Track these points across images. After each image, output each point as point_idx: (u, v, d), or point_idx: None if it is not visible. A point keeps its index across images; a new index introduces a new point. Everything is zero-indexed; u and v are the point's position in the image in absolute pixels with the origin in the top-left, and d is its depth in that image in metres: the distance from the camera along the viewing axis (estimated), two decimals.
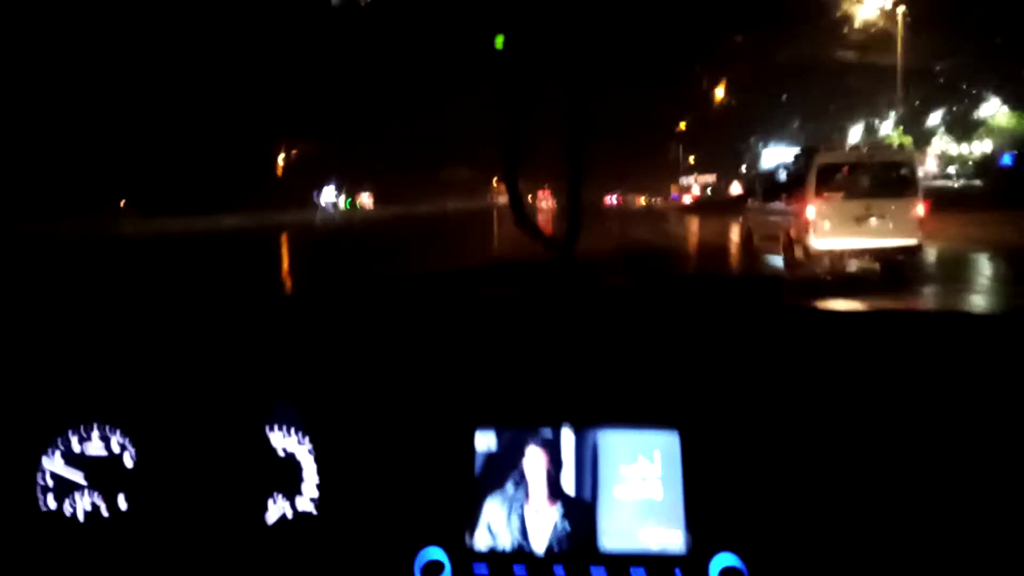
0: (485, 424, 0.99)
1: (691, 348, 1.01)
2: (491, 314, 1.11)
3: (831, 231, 9.44)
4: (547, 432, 0.98)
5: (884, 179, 9.85)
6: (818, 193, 9.61)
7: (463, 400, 1.01)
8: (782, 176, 11.11)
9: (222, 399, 1.04)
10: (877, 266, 9.41)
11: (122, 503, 1.04)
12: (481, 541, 0.96)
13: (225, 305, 1.25)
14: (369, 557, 0.97)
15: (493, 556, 0.95)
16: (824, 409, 0.95)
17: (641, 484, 0.95)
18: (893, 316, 1.08)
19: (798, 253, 9.56)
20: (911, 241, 9.41)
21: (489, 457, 0.99)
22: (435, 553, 0.95)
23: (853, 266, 9.31)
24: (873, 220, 9.46)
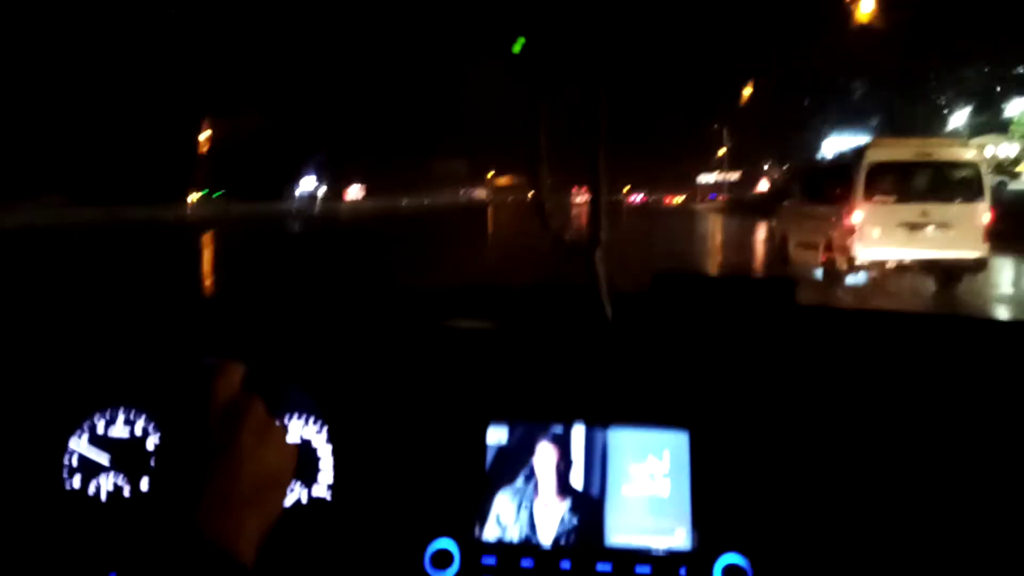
0: (497, 419, 1.21)
1: (704, 348, 1.23)
2: (507, 311, 1.33)
3: (880, 239, 9.53)
4: (558, 428, 1.20)
5: (945, 180, 9.91)
6: (867, 194, 9.68)
7: (476, 394, 1.22)
8: (825, 173, 11.17)
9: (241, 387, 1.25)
10: (932, 282, 9.50)
11: (144, 485, 1.25)
12: (490, 533, 1.17)
13: (242, 293, 1.47)
14: (380, 545, 1.18)
15: (501, 548, 1.16)
16: (836, 411, 1.17)
17: (649, 482, 1.17)
18: (909, 318, 1.31)
19: (840, 263, 9.64)
20: (974, 253, 9.50)
21: (500, 451, 1.20)
22: (445, 543, 1.16)
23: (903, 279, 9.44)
24: (930, 228, 9.56)
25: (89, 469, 1.29)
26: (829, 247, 10.01)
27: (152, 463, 1.28)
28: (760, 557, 1.11)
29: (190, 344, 1.35)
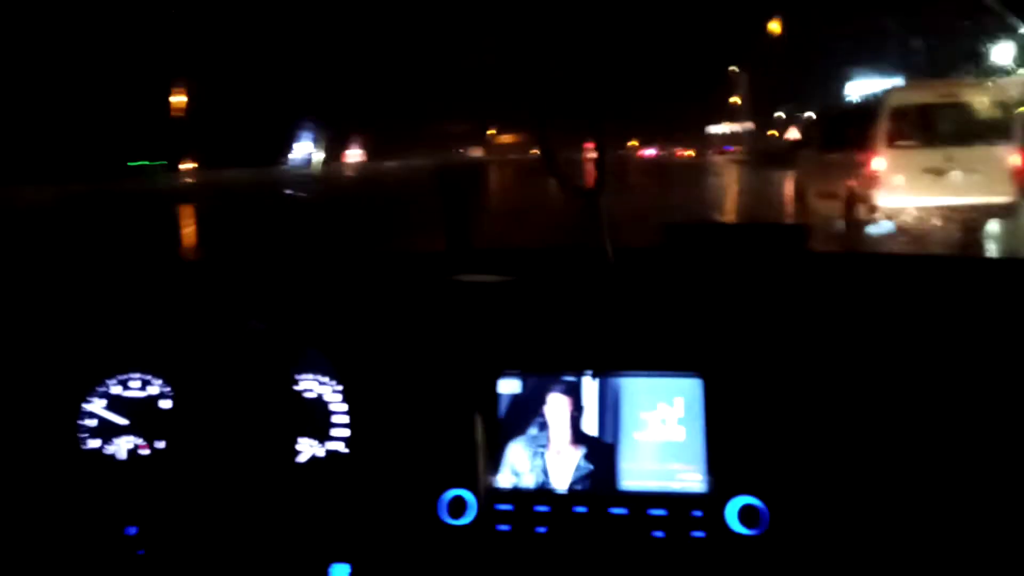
0: (509, 370, 1.27)
1: (715, 295, 1.28)
2: (518, 265, 1.38)
3: (903, 186, 9.53)
4: (569, 378, 1.25)
5: (971, 123, 9.86)
6: (889, 140, 9.66)
7: (488, 347, 1.28)
8: (845, 119, 11.10)
9: (255, 348, 1.32)
10: (958, 229, 9.47)
11: (160, 444, 1.33)
12: (505, 481, 1.24)
13: (258, 258, 1.53)
14: (397, 495, 1.25)
15: (516, 495, 1.23)
16: (847, 354, 1.22)
17: (662, 428, 1.23)
18: (920, 261, 1.35)
19: (862, 212, 9.64)
20: (1003, 198, 9.49)
21: (513, 402, 1.26)
22: (460, 492, 1.23)
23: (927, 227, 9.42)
24: (956, 173, 9.54)
25: (106, 431, 1.37)
26: (851, 196, 10.00)
27: (167, 423, 1.36)
28: (774, 499, 1.18)
29: (201, 307, 1.41)
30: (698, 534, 1.18)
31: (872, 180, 9.48)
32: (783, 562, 1.16)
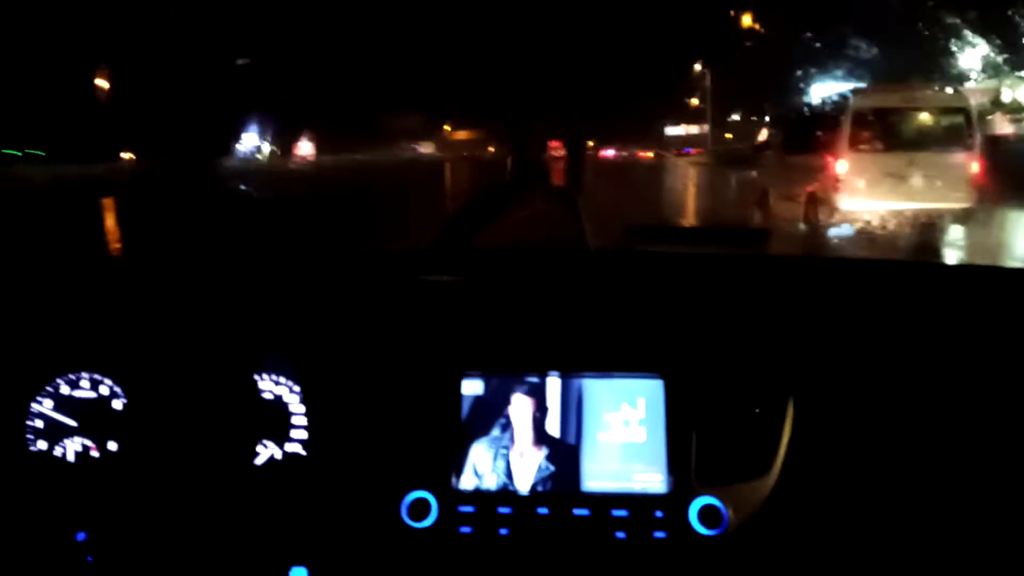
0: (472, 371, 1.30)
1: (676, 297, 1.34)
2: (482, 265, 1.42)
3: (865, 190, 9.83)
4: (533, 378, 1.29)
5: (933, 128, 10.22)
6: (851, 143, 9.95)
7: (451, 347, 1.31)
8: (808, 122, 11.39)
9: (211, 348, 1.33)
10: (910, 232, 9.78)
11: (112, 445, 1.33)
12: (467, 483, 1.27)
13: (215, 255, 1.54)
14: (357, 497, 1.27)
15: (479, 497, 1.27)
16: (804, 355, 1.28)
17: (624, 429, 1.27)
18: (875, 265, 1.43)
19: (823, 215, 9.91)
20: (961, 205, 9.86)
21: (476, 402, 1.29)
22: (422, 494, 1.26)
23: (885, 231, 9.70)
24: (917, 178, 9.86)
25: (55, 432, 1.37)
26: (812, 199, 10.25)
27: (119, 425, 1.36)
28: (734, 498, 1.23)
29: (152, 305, 1.42)
30: (660, 535, 1.23)
31: (834, 183, 9.76)
32: (744, 562, 1.22)
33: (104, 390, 1.37)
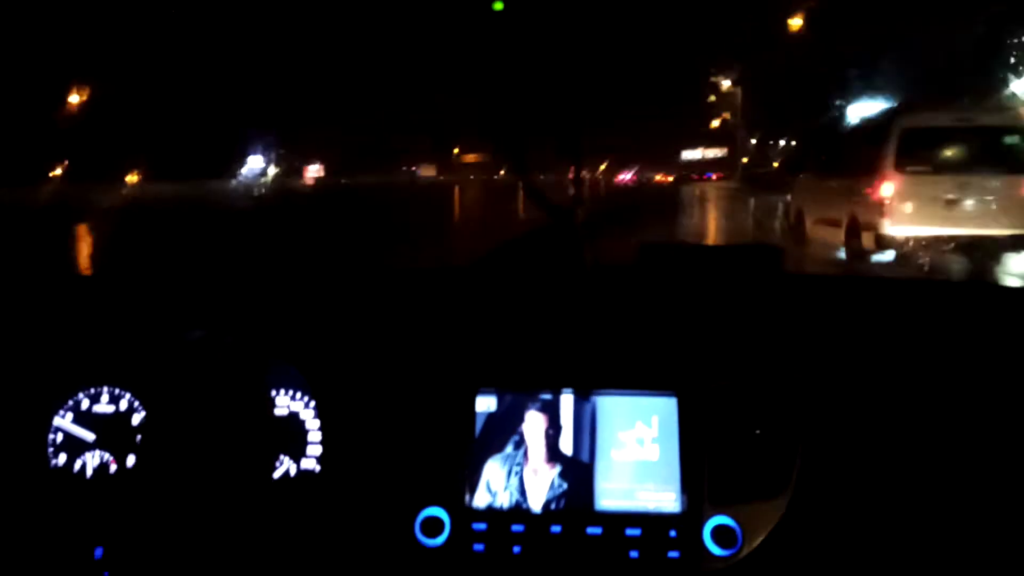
0: (486, 387, 1.39)
1: (691, 315, 1.42)
2: (495, 281, 1.52)
3: (912, 215, 9.71)
4: (547, 396, 1.38)
5: (987, 150, 10.05)
6: (898, 165, 9.83)
7: (465, 363, 1.41)
8: (849, 141, 11.30)
9: (228, 363, 1.44)
10: (966, 261, 9.64)
11: (130, 461, 1.44)
12: (480, 500, 1.36)
13: (227, 270, 1.66)
14: (371, 514, 1.36)
15: (492, 514, 1.35)
16: (819, 374, 1.36)
17: (638, 447, 1.36)
18: (893, 284, 1.51)
19: (866, 242, 9.79)
20: (1017, 231, 9.72)
21: (489, 419, 1.38)
22: (435, 511, 1.35)
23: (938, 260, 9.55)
24: (969, 203, 9.73)
25: (74, 447, 1.48)
26: (854, 224, 10.15)
27: (138, 439, 1.47)
28: (748, 518, 1.31)
29: (172, 321, 1.53)
30: (674, 554, 1.30)
31: (879, 207, 9.65)
32: None
33: (124, 404, 1.48)
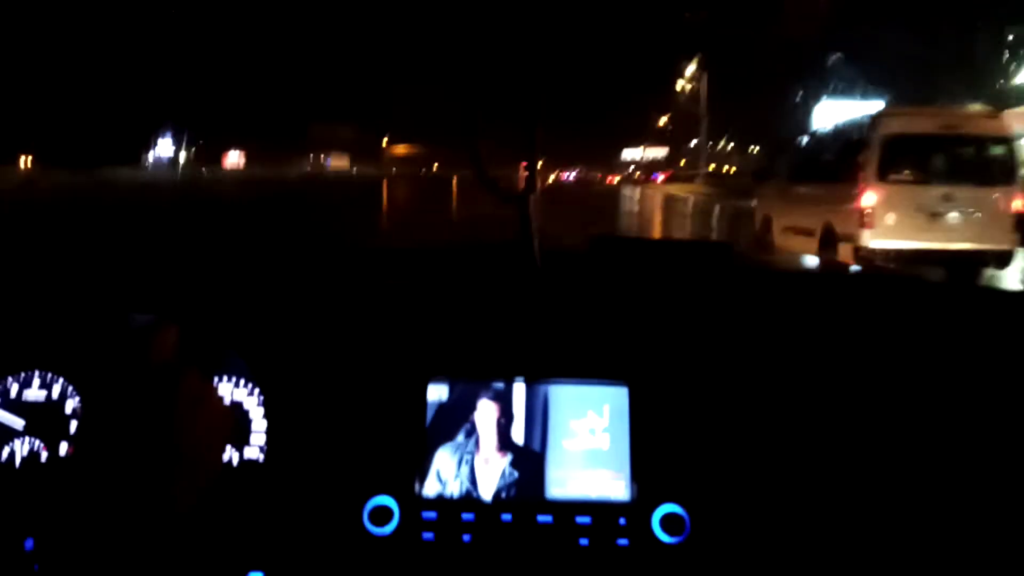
0: (438, 376, 1.51)
1: (642, 307, 1.56)
2: (447, 270, 1.65)
3: (894, 227, 9.88)
4: (499, 385, 1.51)
5: (973, 158, 10.27)
6: (881, 173, 10.01)
7: (416, 352, 1.53)
8: (825, 147, 11.54)
9: (171, 349, 1.53)
10: (944, 274, 9.84)
11: (63, 449, 1.52)
12: (430, 489, 1.47)
13: (171, 255, 1.76)
14: (318, 504, 1.47)
15: (442, 503, 1.47)
16: (767, 365, 1.50)
17: (589, 436, 1.48)
18: (839, 277, 1.68)
19: (843, 253, 10.03)
20: (1001, 247, 9.96)
21: (440, 408, 1.50)
22: (384, 500, 1.46)
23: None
24: (953, 215, 9.94)
25: (2, 434, 1.55)
26: (829, 234, 10.33)
27: (72, 427, 1.55)
28: (697, 506, 1.45)
29: (111, 305, 1.63)
30: (623, 542, 1.44)
31: (859, 218, 9.86)
32: (706, 570, 1.43)
33: (56, 390, 1.56)
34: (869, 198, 9.98)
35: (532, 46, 1.61)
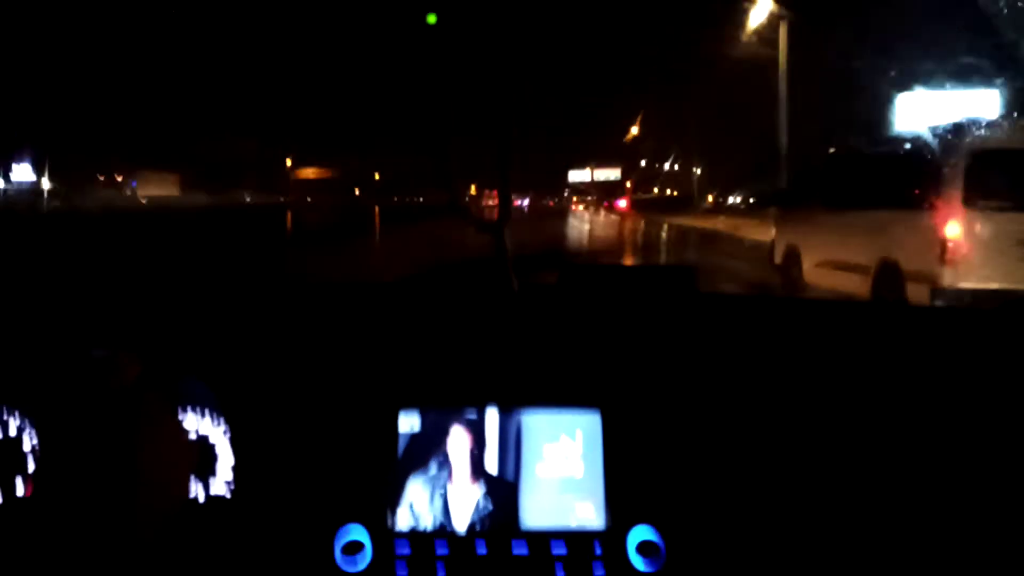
0: (409, 405, 1.87)
1: (611, 333, 1.94)
2: (418, 297, 2.05)
3: (987, 264, 9.81)
4: (471, 413, 1.86)
5: None
6: (968, 197, 9.90)
7: (387, 381, 1.88)
8: (882, 164, 11.37)
9: (133, 383, 1.89)
10: None
11: (20, 487, 1.83)
12: (403, 520, 1.81)
13: (132, 284, 2.16)
14: (289, 538, 1.81)
15: (415, 535, 1.80)
16: (735, 389, 1.86)
17: (563, 462, 1.83)
18: (804, 304, 2.08)
19: (912, 294, 9.93)
20: None
21: (413, 438, 1.85)
22: (356, 532, 1.81)
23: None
24: None
25: None
26: (890, 271, 10.27)
27: (29, 463, 1.85)
28: (671, 531, 1.79)
29: (70, 338, 1.99)
30: (599, 571, 1.79)
31: (940, 251, 9.65)
32: None
33: (13, 427, 1.83)
34: (953, 228, 9.81)
35: (504, 76, 2.03)
